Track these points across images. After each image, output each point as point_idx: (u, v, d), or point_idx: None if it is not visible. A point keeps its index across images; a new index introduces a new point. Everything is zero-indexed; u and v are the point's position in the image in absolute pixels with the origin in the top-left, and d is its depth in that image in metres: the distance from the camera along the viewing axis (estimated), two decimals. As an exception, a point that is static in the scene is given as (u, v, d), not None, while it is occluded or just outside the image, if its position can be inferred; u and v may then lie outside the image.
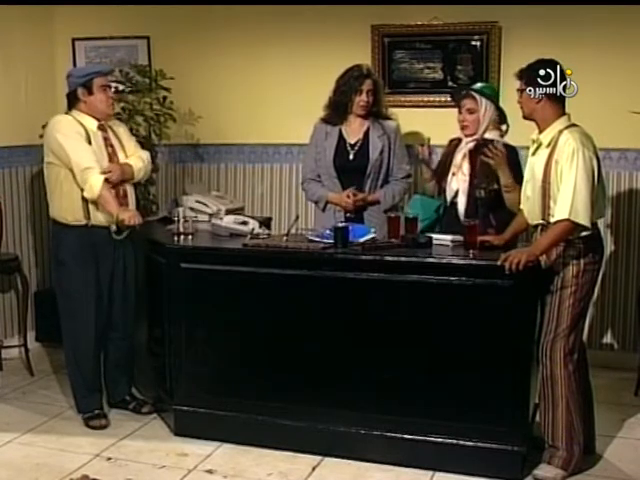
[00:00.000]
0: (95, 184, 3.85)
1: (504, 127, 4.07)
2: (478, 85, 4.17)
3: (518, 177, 3.83)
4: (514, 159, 3.99)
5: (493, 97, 4.07)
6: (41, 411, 4.27)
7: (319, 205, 4.42)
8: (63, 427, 4.08)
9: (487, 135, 4.01)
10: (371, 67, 4.48)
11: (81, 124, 3.95)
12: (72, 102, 4.03)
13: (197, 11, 5.29)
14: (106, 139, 4.03)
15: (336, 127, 4.36)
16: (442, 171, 4.14)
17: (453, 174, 4.05)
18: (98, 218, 3.96)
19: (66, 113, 4.07)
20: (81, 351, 4.08)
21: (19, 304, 5.11)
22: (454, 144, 4.14)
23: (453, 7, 4.81)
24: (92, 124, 3.99)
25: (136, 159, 4.13)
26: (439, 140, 4.30)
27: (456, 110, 4.08)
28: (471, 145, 4.03)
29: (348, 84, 4.27)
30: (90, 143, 3.93)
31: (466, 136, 4.05)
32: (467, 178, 4.00)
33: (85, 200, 3.92)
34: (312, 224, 4.60)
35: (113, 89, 4.18)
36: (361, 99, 4.26)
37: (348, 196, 4.26)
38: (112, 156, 4.02)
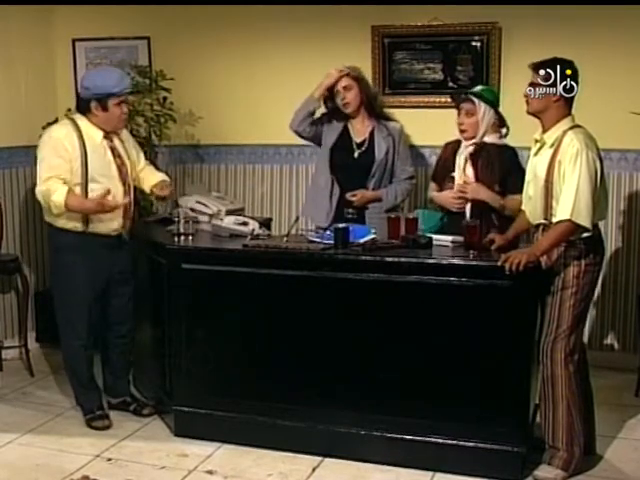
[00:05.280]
0: (59, 199, 3.77)
1: (504, 130, 4.06)
2: (478, 88, 4.15)
3: (518, 175, 3.84)
4: (513, 160, 4.01)
5: (492, 101, 4.04)
6: (41, 411, 4.27)
7: (312, 107, 4.37)
8: (63, 428, 4.08)
9: (486, 139, 4.01)
10: (357, 68, 4.40)
11: (80, 135, 3.86)
12: (82, 109, 3.94)
13: (197, 11, 5.29)
14: (113, 149, 3.97)
15: (339, 123, 4.39)
16: (442, 175, 4.15)
17: (458, 177, 4.06)
18: (97, 228, 3.93)
19: (70, 117, 4.03)
20: (72, 353, 4.08)
21: (19, 305, 5.11)
22: (451, 147, 4.14)
23: (453, 8, 4.81)
24: (97, 135, 3.92)
25: (155, 171, 4.23)
26: (439, 141, 4.31)
27: (456, 111, 4.08)
28: (471, 149, 4.02)
29: (330, 90, 4.33)
30: (87, 157, 3.84)
31: (465, 139, 4.04)
32: (472, 181, 4.00)
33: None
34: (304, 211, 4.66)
35: (127, 104, 4.07)
36: (339, 98, 4.32)
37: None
38: (120, 167, 3.98)
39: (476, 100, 3.98)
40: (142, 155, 4.23)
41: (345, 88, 4.29)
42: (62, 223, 3.93)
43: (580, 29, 4.63)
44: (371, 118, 4.37)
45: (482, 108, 3.97)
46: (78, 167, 3.84)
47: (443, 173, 4.14)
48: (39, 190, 3.84)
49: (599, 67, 4.47)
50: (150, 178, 4.20)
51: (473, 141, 4.01)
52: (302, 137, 4.50)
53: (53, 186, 3.79)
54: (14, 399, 4.47)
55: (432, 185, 4.27)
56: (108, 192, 3.83)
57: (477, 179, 3.98)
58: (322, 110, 4.44)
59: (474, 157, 4.01)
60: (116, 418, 4.15)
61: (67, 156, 3.83)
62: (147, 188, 4.20)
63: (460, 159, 4.04)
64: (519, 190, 3.86)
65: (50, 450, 3.82)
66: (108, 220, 3.93)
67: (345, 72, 4.30)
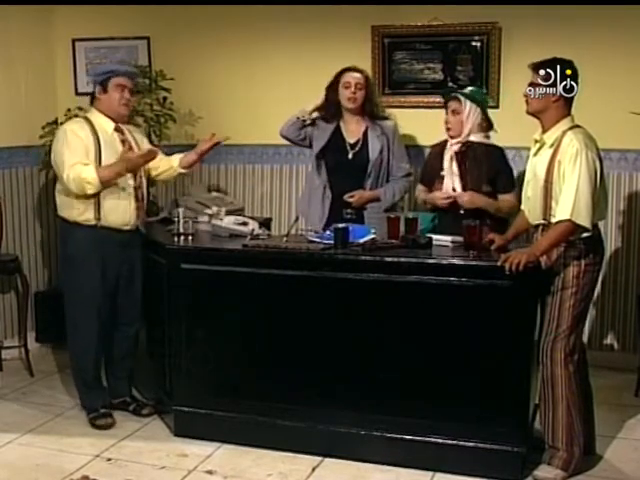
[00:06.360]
0: (90, 175, 3.82)
1: (490, 132, 4.13)
2: (467, 89, 4.20)
3: (508, 174, 4.06)
4: (502, 159, 4.09)
5: (480, 101, 4.10)
6: (41, 411, 4.26)
7: (300, 115, 4.40)
8: (63, 428, 4.08)
9: (472, 137, 4.07)
10: (365, 70, 4.46)
11: (92, 128, 3.92)
12: (91, 99, 4.07)
13: (197, 11, 5.29)
14: (124, 141, 4.02)
15: (330, 125, 4.38)
16: (430, 177, 4.19)
17: (443, 176, 4.11)
18: (108, 219, 3.94)
19: (77, 114, 4.08)
20: (79, 351, 4.08)
21: (19, 305, 5.11)
22: (437, 149, 4.20)
23: (453, 7, 4.81)
24: (108, 125, 3.98)
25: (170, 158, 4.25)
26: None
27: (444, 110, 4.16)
28: (456, 147, 4.09)
29: (337, 79, 4.33)
30: (100, 149, 3.89)
31: (451, 137, 4.10)
32: (458, 179, 4.07)
33: (98, 202, 3.90)
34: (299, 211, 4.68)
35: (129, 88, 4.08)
36: (348, 91, 4.30)
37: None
38: None
39: (462, 98, 4.05)
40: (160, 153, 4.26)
41: (357, 85, 4.30)
42: (75, 216, 3.94)
43: (580, 29, 4.64)
44: (365, 119, 4.38)
45: (467, 107, 4.05)
46: (92, 159, 3.89)
47: (431, 175, 4.21)
48: (68, 177, 3.85)
49: (599, 67, 4.47)
50: (171, 158, 4.25)
51: (458, 139, 4.07)
52: (291, 141, 4.52)
53: (79, 168, 3.84)
54: (14, 399, 4.47)
55: (420, 187, 4.32)
56: (130, 147, 3.95)
57: (463, 178, 4.05)
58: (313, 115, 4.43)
59: (460, 156, 4.07)
60: (116, 418, 4.14)
61: (82, 144, 3.89)
62: (176, 164, 4.22)
63: (446, 158, 4.10)
64: (509, 189, 4.04)
65: (50, 450, 3.82)
66: (120, 211, 3.95)
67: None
